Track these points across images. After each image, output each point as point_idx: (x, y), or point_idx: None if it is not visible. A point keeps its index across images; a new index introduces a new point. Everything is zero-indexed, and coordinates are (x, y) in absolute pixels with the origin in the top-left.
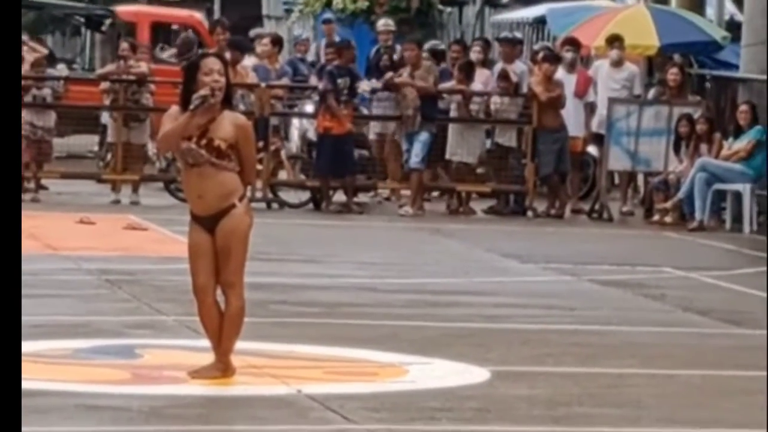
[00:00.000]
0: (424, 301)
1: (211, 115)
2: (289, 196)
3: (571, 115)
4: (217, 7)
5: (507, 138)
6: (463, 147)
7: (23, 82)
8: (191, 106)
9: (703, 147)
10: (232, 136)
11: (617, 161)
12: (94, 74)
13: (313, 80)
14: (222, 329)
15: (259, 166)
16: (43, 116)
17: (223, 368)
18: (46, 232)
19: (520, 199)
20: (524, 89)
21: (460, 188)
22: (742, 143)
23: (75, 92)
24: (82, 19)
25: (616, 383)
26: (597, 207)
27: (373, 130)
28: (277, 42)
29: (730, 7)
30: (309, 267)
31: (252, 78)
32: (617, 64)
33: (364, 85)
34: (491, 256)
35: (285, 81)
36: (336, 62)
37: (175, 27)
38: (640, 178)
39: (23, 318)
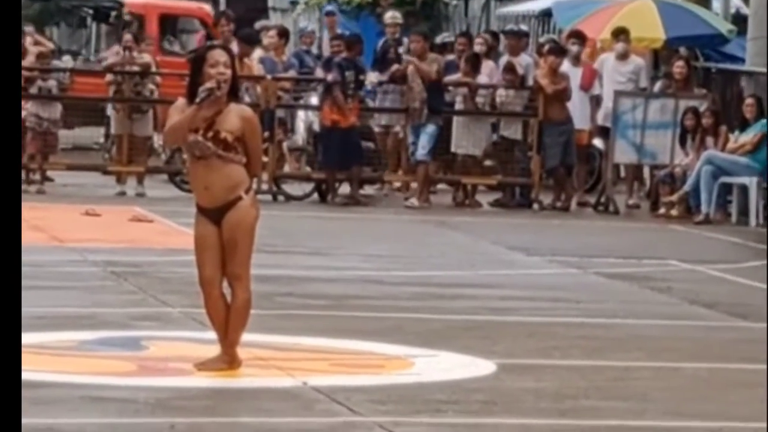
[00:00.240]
0: (430, 294)
1: (217, 107)
2: (293, 188)
3: (577, 108)
4: None
5: (512, 131)
6: (468, 139)
7: (29, 74)
8: (197, 99)
9: (709, 140)
10: (238, 128)
11: (623, 154)
12: (99, 65)
13: (319, 72)
14: (228, 321)
15: (265, 158)
16: (48, 108)
17: (229, 360)
18: (51, 223)
19: (526, 192)
20: (530, 82)
21: (466, 181)
22: (749, 136)
23: (80, 84)
24: (90, 11)
25: (622, 376)
26: (603, 200)
27: (378, 122)
28: (283, 34)
29: (735, 0)
30: (315, 259)
31: (258, 70)
32: (623, 57)
33: (371, 78)
34: (497, 249)
35: (292, 73)
36: (343, 54)
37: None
38: (646, 171)
39: (29, 309)
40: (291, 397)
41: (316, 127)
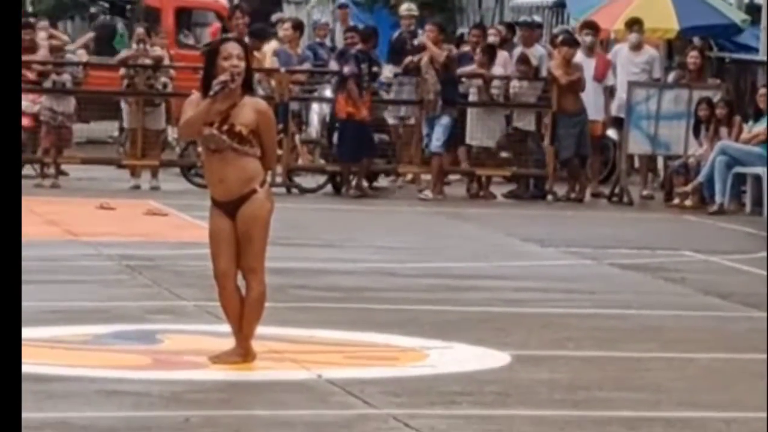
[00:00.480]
0: (444, 286)
1: (232, 101)
2: (306, 180)
3: (591, 99)
4: None
5: (526, 122)
6: (482, 131)
7: (43, 68)
8: (211, 92)
9: (723, 130)
10: (253, 121)
11: (637, 145)
12: (113, 59)
13: (333, 65)
14: (243, 314)
15: (279, 151)
16: (62, 102)
17: (243, 353)
18: (66, 218)
19: (540, 183)
20: (543, 73)
21: (480, 172)
22: (762, 126)
23: (95, 78)
24: (107, 5)
25: (636, 367)
26: (617, 191)
27: (395, 114)
28: (298, 27)
29: None
30: (329, 252)
31: (272, 63)
32: (637, 47)
33: (387, 71)
34: (511, 241)
35: (306, 66)
36: (358, 46)
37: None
38: (660, 162)
39: (43, 304)
40: (306, 389)
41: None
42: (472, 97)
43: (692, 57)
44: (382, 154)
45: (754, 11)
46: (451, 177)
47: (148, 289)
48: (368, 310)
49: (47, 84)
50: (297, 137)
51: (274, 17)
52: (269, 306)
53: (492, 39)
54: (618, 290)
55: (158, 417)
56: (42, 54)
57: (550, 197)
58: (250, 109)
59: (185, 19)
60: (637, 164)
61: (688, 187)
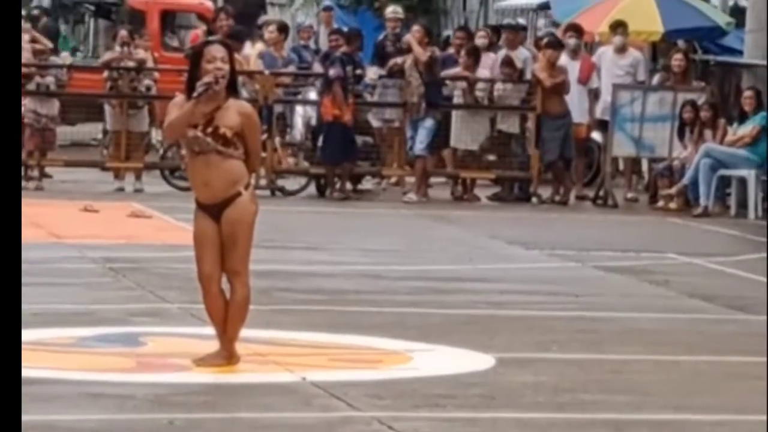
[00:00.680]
0: (428, 288)
1: (216, 103)
2: (289, 182)
3: (575, 102)
4: None
5: (510, 124)
6: (467, 134)
7: (27, 70)
8: (195, 94)
9: (708, 133)
10: (237, 123)
11: (621, 147)
12: (97, 62)
13: (317, 67)
14: (227, 317)
15: (263, 154)
16: (46, 104)
17: (227, 356)
18: (50, 220)
19: (525, 186)
20: (528, 76)
21: (464, 175)
22: (747, 129)
23: (79, 80)
24: (92, 7)
25: (620, 369)
26: (601, 193)
27: (377, 116)
28: (283, 29)
29: None
30: (313, 254)
31: (257, 65)
32: (621, 50)
33: (371, 73)
34: (496, 243)
35: (291, 69)
36: (343, 49)
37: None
38: (645, 164)
39: (27, 306)
40: (289, 392)
41: (315, 122)
42: (457, 100)
43: (677, 60)
44: (366, 157)
45: (738, 14)
46: (436, 180)
47: (131, 292)
48: (352, 313)
49: (31, 86)
50: (277, 140)
51: (261, 19)
52: (253, 308)
53: (480, 42)
54: (602, 293)
55: (142, 420)
56: (25, 57)
57: (534, 200)
58: (234, 112)
59: (169, 21)
60: (621, 167)
61: (673, 190)
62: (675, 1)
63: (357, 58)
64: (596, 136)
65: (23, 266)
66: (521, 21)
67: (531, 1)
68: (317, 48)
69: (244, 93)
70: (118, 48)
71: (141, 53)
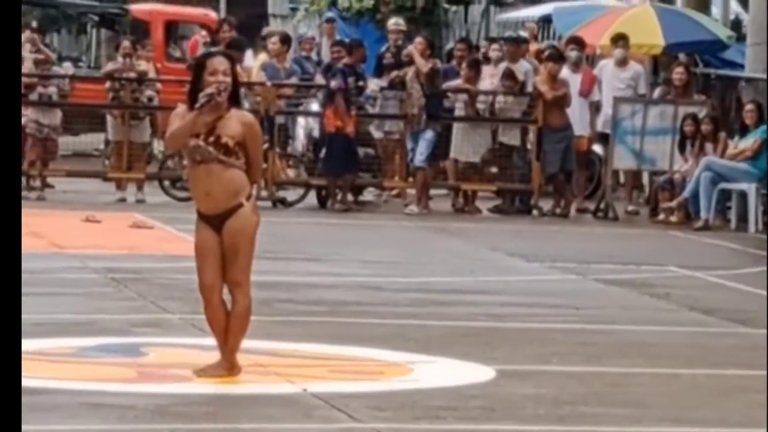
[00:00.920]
0: (429, 300)
1: (218, 113)
2: (289, 194)
3: (576, 114)
4: (223, 5)
5: (511, 137)
6: (468, 146)
7: (29, 80)
8: (197, 105)
9: (709, 146)
10: (239, 133)
11: (622, 160)
12: (99, 72)
13: (319, 78)
14: (228, 328)
15: (264, 165)
16: (48, 114)
17: (228, 367)
18: (51, 230)
19: (526, 198)
20: (529, 88)
21: (465, 187)
22: (748, 142)
23: (81, 90)
24: (96, 18)
25: (621, 382)
26: (602, 206)
27: (381, 128)
28: (285, 41)
29: (735, 7)
30: (314, 266)
31: (260, 76)
32: (622, 63)
33: (373, 84)
34: (497, 255)
35: (294, 80)
36: (345, 60)
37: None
38: (646, 177)
39: (28, 316)
40: (290, 403)
41: (317, 134)
42: (459, 112)
43: (678, 73)
44: (367, 169)
45: (739, 28)
46: (437, 192)
47: (133, 302)
48: (353, 324)
49: (33, 96)
50: (275, 152)
51: (265, 31)
52: (255, 319)
53: (494, 54)
54: (603, 305)
55: (143, 430)
56: (27, 67)
57: (535, 212)
58: (236, 122)
59: (173, 32)
60: (622, 180)
61: (673, 203)
62: (676, 14)
63: (359, 69)
64: (597, 148)
65: (24, 276)
66: (523, 33)
67: (532, 14)
68: (319, 59)
69: (246, 104)
70: (120, 59)
71: (143, 65)
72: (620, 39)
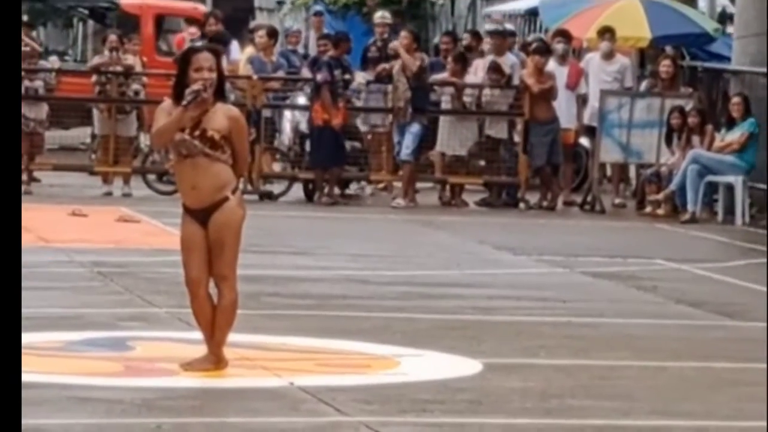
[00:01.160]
0: (416, 293)
1: (204, 107)
2: (276, 187)
3: (563, 107)
4: None
5: (498, 130)
6: (455, 139)
7: None
8: (184, 102)
9: (695, 139)
10: (225, 127)
11: (609, 153)
12: (86, 66)
13: (305, 72)
14: (215, 321)
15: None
16: (35, 108)
17: (215, 360)
18: (38, 224)
19: (513, 191)
20: (516, 81)
21: (452, 180)
22: (735, 135)
23: (68, 84)
24: (86, 11)
25: (608, 375)
26: (589, 199)
27: (365, 121)
28: (272, 34)
29: None
30: (301, 259)
31: (246, 70)
32: (608, 56)
33: (360, 77)
34: (483, 248)
35: (281, 74)
36: (330, 53)
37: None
38: (632, 170)
39: None
40: (277, 396)
41: (303, 127)
42: (445, 105)
43: (664, 66)
44: (354, 162)
45: (726, 20)
46: (423, 185)
47: (119, 296)
48: (340, 318)
49: None
50: (261, 145)
51: (252, 24)
52: (241, 313)
53: (488, 47)
54: (590, 299)
55: (130, 424)
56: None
57: (522, 205)
58: (222, 115)
59: (161, 25)
60: (609, 173)
61: (660, 196)
62: (663, 7)
63: (345, 62)
64: (584, 141)
65: None
66: (509, 26)
67: (519, 7)
68: (306, 53)
69: (232, 97)
70: (107, 53)
71: (130, 59)
72: (606, 32)
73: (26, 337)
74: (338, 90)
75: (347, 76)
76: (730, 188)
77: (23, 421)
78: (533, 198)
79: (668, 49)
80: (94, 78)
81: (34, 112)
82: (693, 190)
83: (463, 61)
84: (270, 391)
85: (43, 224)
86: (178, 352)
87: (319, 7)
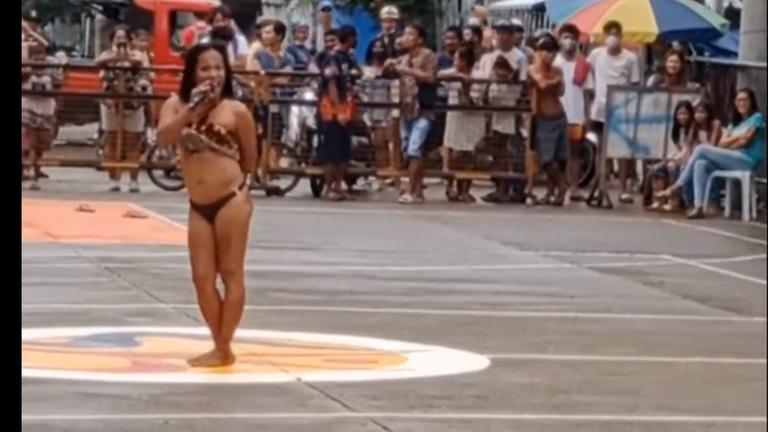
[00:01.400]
0: (423, 289)
1: (211, 107)
2: (283, 182)
3: (570, 103)
4: None
5: (505, 125)
6: (462, 134)
7: (23, 70)
8: (191, 104)
9: (702, 134)
10: (231, 122)
11: (616, 148)
12: (93, 62)
13: (312, 67)
14: (222, 317)
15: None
16: (42, 104)
17: (222, 356)
18: (45, 220)
19: (520, 187)
20: (523, 77)
21: (459, 176)
22: (742, 131)
23: (75, 80)
24: (100, 8)
25: (615, 371)
26: (596, 194)
27: (372, 117)
28: (280, 30)
29: None
30: (308, 255)
31: (254, 65)
32: (615, 51)
33: (368, 72)
34: (491, 244)
35: (288, 69)
36: (337, 47)
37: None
38: (639, 166)
39: (22, 306)
40: (285, 392)
41: (310, 122)
42: (452, 101)
43: (671, 61)
44: (361, 157)
45: (732, 15)
46: (431, 180)
47: (127, 292)
48: (347, 313)
49: (27, 86)
50: (269, 141)
51: (259, 20)
52: (248, 309)
53: (495, 42)
54: (597, 294)
55: (137, 420)
56: (21, 56)
57: (529, 201)
58: (229, 111)
59: (175, 21)
60: (616, 168)
61: (667, 191)
62: (670, 2)
63: (352, 57)
64: (591, 137)
65: None
66: (516, 22)
67: (526, 2)
68: (313, 48)
69: (240, 93)
70: (114, 48)
71: (137, 54)
72: (613, 27)
73: (33, 333)
74: (346, 85)
75: (354, 71)
76: (737, 183)
77: (30, 417)
78: (540, 193)
79: (675, 44)
80: (101, 73)
81: (41, 108)
82: (700, 186)
83: (469, 57)
84: (277, 386)
85: (51, 220)
86: (185, 348)
87: (326, 3)
